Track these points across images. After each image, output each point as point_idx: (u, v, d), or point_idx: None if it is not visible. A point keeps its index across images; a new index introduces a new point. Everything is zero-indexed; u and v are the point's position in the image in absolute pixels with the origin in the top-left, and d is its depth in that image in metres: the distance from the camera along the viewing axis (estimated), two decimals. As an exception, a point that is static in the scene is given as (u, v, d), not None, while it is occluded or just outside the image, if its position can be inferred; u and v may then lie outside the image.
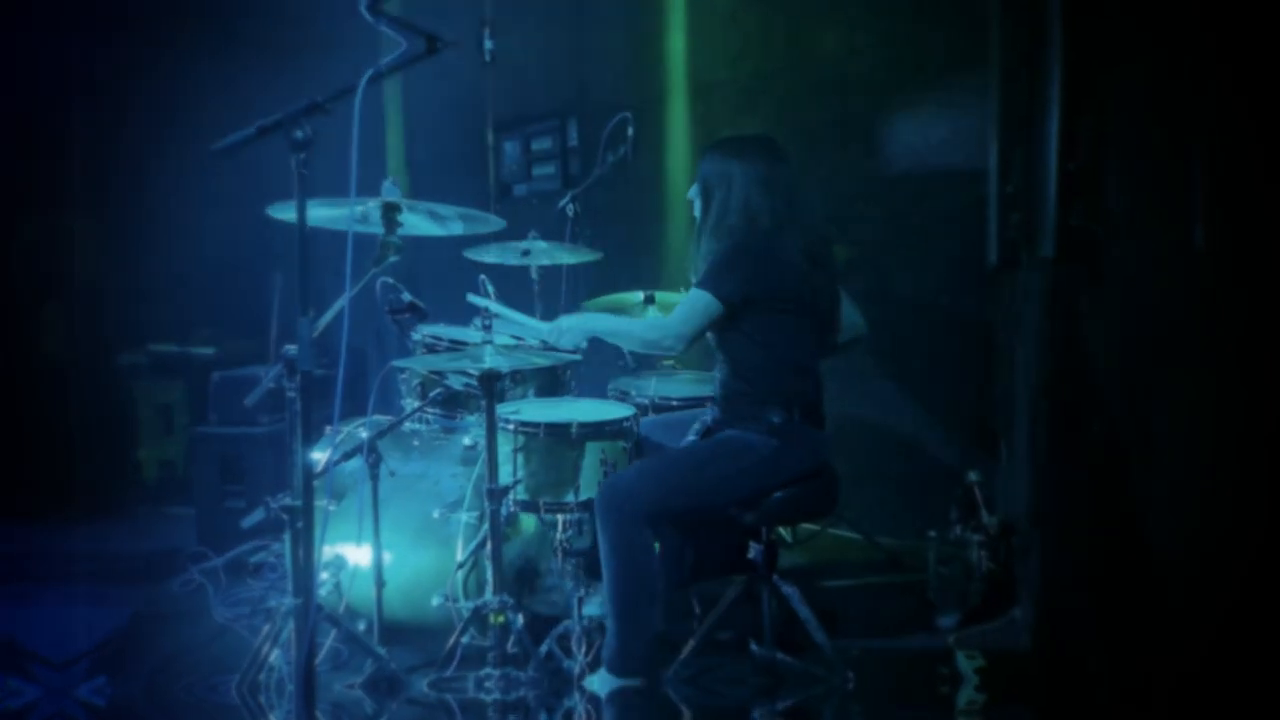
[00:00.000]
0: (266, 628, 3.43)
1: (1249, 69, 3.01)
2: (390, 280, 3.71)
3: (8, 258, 5.85)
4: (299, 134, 2.74)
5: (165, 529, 5.34)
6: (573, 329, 3.64)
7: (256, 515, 3.47)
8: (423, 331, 3.97)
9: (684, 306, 3.50)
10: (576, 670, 3.49)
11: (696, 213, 3.66)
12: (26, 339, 5.85)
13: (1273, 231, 2.97)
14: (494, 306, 3.66)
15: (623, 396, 4.07)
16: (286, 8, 5.37)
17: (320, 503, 2.96)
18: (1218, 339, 3.09)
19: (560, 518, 3.69)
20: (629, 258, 3.77)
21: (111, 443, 5.92)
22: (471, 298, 3.72)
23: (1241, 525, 3.04)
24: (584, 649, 3.51)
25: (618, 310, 4.24)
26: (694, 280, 3.55)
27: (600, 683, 3.44)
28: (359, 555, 3.72)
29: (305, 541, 2.81)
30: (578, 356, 3.99)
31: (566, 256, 4.31)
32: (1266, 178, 2.98)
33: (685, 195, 3.77)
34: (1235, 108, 3.03)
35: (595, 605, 3.55)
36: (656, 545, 3.47)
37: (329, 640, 3.53)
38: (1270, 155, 2.98)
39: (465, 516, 3.74)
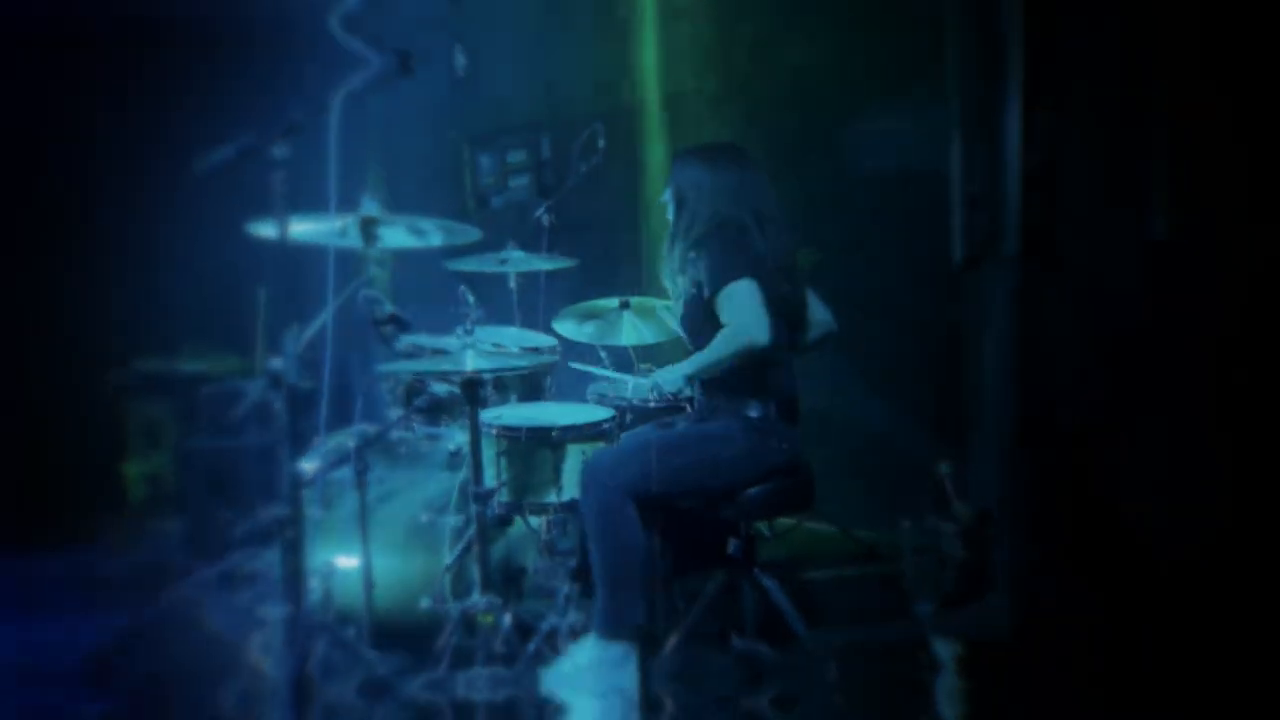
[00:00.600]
0: (258, 637, 3.48)
1: (1210, 55, 3.06)
2: (373, 292, 3.77)
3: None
4: (278, 153, 2.80)
5: (155, 542, 5.35)
6: (669, 380, 3.74)
7: (247, 525, 3.52)
8: (405, 341, 4.04)
9: (735, 306, 3.45)
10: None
11: (670, 216, 3.74)
12: (13, 358, 5.86)
13: (1234, 220, 3.04)
14: (599, 373, 3.87)
15: (602, 399, 4.14)
16: (265, 25, 5.41)
17: (310, 511, 3.02)
18: (1182, 328, 3.15)
19: (544, 519, 3.77)
20: (604, 265, 3.84)
21: (100, 459, 5.93)
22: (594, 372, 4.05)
23: (1210, 508, 3.10)
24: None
25: (595, 315, 4.31)
26: (688, 290, 3.59)
27: (591, 647, 3.49)
28: (348, 561, 3.78)
29: (295, 550, 2.87)
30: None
31: (543, 264, 4.39)
32: (1227, 167, 3.05)
33: (658, 202, 3.85)
34: (1197, 96, 3.09)
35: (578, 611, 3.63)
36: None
37: (320, 647, 3.57)
38: (1231, 144, 3.04)
39: (452, 520, 3.81)
